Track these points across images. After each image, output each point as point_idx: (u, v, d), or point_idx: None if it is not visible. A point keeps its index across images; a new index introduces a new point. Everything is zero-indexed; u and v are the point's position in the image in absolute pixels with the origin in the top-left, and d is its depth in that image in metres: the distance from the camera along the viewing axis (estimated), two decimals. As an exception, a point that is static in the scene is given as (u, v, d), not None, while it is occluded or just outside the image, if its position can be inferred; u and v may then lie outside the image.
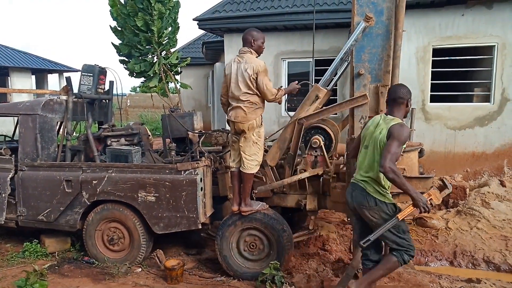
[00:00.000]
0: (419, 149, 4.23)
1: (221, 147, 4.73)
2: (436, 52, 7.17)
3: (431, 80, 7.19)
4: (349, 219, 3.98)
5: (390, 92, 3.17)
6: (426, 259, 4.99)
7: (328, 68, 4.24)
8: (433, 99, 7.26)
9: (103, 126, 4.98)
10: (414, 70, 7.14)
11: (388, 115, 3.08)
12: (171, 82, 12.27)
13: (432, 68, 7.17)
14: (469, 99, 7.47)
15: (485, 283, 3.66)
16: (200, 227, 4.06)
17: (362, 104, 3.86)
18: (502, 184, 6.41)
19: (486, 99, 7.13)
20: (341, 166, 4.50)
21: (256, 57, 3.80)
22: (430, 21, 6.98)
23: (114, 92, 5.42)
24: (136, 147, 4.58)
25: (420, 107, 7.22)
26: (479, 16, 6.72)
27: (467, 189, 6.47)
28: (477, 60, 7.44)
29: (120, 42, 11.54)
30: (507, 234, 5.13)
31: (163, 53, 11.57)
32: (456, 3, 6.76)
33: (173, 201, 4.01)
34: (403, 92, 3.07)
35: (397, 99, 3.06)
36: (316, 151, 4.18)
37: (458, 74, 7.47)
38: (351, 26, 4.06)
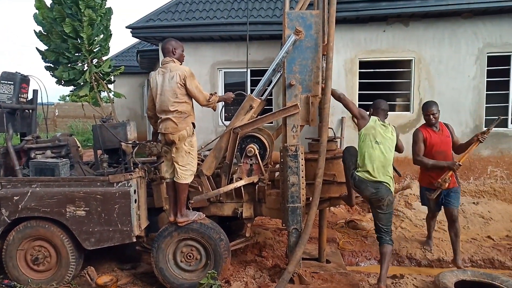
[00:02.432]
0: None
1: (155, 158, 4.64)
2: (362, 64, 7.68)
3: (359, 91, 7.67)
4: (283, 225, 4.10)
5: (381, 104, 4.22)
6: (357, 259, 5.28)
7: (262, 79, 4.37)
8: (361, 108, 7.73)
9: (26, 138, 4.65)
10: (343, 81, 7.57)
11: (379, 120, 4.06)
12: (103, 91, 11.78)
13: (359, 79, 7.65)
14: (392, 108, 8.06)
15: (408, 277, 3.96)
16: (134, 240, 3.95)
17: (293, 114, 4.03)
18: (422, 186, 6.98)
19: (407, 108, 7.75)
20: (276, 173, 4.64)
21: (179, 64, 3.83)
22: (356, 36, 7.47)
23: (39, 101, 5.10)
24: (64, 160, 4.34)
25: (349, 116, 7.65)
26: (398, 32, 7.34)
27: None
28: (398, 73, 8.09)
29: (46, 48, 10.87)
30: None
31: (95, 61, 11.10)
32: (378, 20, 7.31)
33: (105, 214, 3.86)
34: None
35: (386, 110, 4.20)
36: (251, 160, 4.27)
37: (382, 85, 8.04)
38: (282, 38, 4.24)
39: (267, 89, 4.60)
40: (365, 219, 6.29)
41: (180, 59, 3.89)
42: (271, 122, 7.27)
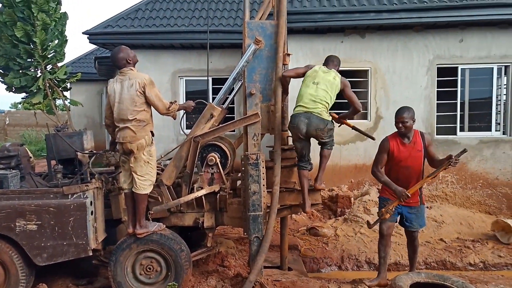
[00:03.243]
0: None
1: (113, 168, 4.50)
2: (322, 74, 7.87)
3: (318, 100, 7.85)
4: (245, 233, 4.10)
5: (333, 57, 4.39)
6: (318, 266, 5.36)
7: (224, 87, 4.38)
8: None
9: (-29, 148, 4.37)
10: (303, 90, 7.73)
11: (326, 68, 4.23)
12: (58, 99, 11.30)
13: (318, 88, 7.83)
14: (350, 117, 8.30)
15: (366, 282, 4.06)
16: (91, 254, 3.79)
17: (254, 122, 4.06)
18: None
19: (365, 116, 8.01)
20: (238, 182, 4.64)
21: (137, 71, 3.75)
22: (315, 46, 7.67)
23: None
24: (14, 171, 4.11)
25: (309, 124, 7.81)
26: (355, 43, 7.61)
27: (352, 198, 7.17)
28: (356, 82, 8.36)
29: (-6, 53, 10.30)
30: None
31: (49, 67, 10.64)
32: (336, 31, 7.56)
33: (59, 228, 3.69)
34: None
35: (335, 61, 4.35)
36: (212, 169, 4.25)
37: (341, 94, 8.27)
38: (242, 47, 4.28)
39: (228, 97, 4.62)
40: (326, 226, 6.41)
41: (135, 61, 3.77)
42: (233, 131, 7.27)
